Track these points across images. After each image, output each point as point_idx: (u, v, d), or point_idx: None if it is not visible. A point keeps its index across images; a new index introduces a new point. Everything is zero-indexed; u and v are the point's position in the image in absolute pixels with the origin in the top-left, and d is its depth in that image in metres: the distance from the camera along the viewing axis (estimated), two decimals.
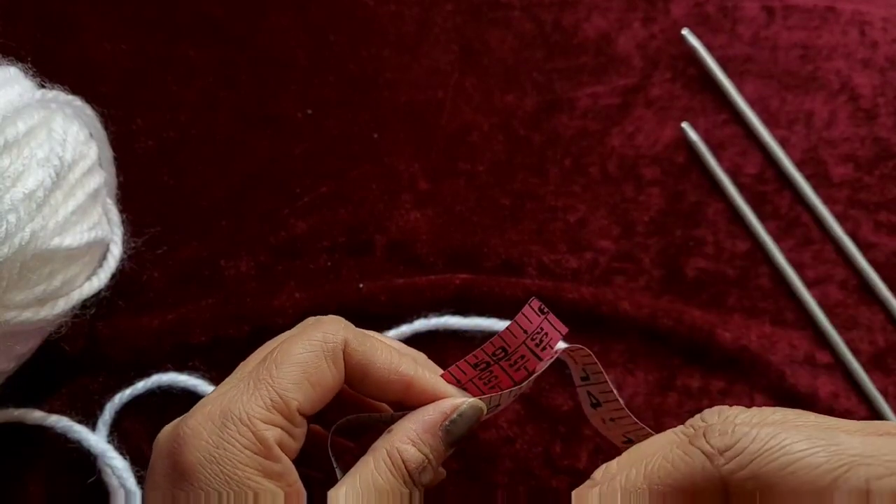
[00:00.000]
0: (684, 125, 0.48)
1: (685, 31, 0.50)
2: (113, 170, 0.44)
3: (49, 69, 0.41)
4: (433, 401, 0.32)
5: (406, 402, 0.33)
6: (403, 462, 0.31)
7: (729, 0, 0.51)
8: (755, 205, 0.47)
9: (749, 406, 0.38)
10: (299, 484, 0.31)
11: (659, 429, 0.43)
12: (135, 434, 0.42)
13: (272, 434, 0.30)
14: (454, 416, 0.32)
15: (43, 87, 0.40)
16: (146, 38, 0.51)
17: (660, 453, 0.28)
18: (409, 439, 0.31)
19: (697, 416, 0.29)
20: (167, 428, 0.32)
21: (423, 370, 0.33)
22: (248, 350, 0.45)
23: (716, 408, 0.29)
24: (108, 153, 0.43)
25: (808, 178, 0.48)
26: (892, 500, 0.25)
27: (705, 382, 0.43)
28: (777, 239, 0.47)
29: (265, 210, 0.47)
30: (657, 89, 0.50)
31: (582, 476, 0.42)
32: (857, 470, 0.25)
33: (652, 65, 0.50)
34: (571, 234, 0.47)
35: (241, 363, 0.33)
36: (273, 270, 0.46)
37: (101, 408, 0.42)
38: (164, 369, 0.43)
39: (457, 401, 0.32)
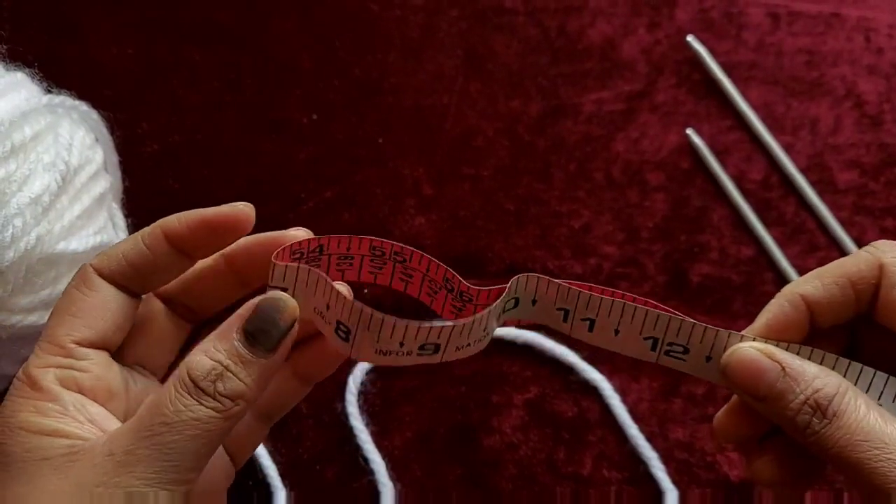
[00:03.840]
0: (689, 131, 0.48)
1: (690, 38, 0.50)
2: (118, 174, 0.44)
3: (55, 73, 0.42)
4: (207, 225, 0.31)
5: (190, 245, 0.31)
6: (189, 372, 0.28)
7: (734, 6, 0.51)
8: (760, 210, 0.47)
9: None
10: (98, 414, 0.29)
11: (664, 435, 0.43)
12: None
13: (43, 373, 0.29)
14: (251, 314, 0.28)
15: (49, 91, 0.41)
16: (152, 43, 0.51)
17: (829, 263, 0.31)
18: (200, 350, 0.28)
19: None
20: None
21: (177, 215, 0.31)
22: None
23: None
24: (114, 157, 0.43)
25: (814, 183, 0.48)
26: None
27: (710, 389, 0.43)
28: (782, 245, 0.46)
29: (270, 214, 0.47)
30: (662, 95, 0.50)
31: (585, 482, 0.42)
32: None
33: (657, 70, 0.50)
34: (576, 239, 0.47)
35: None
36: None
37: None
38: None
39: (253, 300, 0.29)
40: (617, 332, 0.31)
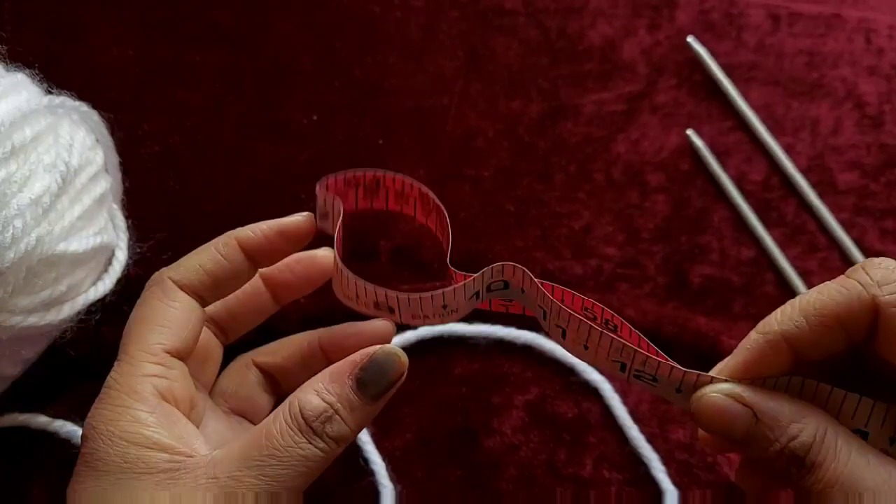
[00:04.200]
0: (689, 132, 0.48)
1: (690, 38, 0.50)
2: (119, 175, 0.44)
3: (56, 74, 0.42)
4: (274, 238, 0.34)
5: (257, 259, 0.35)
6: (301, 411, 0.29)
7: (734, 7, 0.51)
8: (761, 212, 0.47)
9: None
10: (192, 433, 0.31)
11: (664, 437, 0.43)
12: None
13: (142, 381, 0.31)
14: (365, 363, 0.30)
15: (50, 92, 0.41)
16: (153, 44, 0.51)
17: (813, 291, 0.28)
18: (312, 389, 0.30)
19: (856, 266, 0.29)
20: None
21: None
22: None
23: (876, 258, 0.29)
24: (115, 158, 0.43)
25: (814, 185, 0.48)
26: None
27: None
28: (783, 246, 0.46)
29: (270, 215, 0.47)
30: (662, 96, 0.50)
31: (586, 484, 0.42)
32: None
33: (657, 71, 0.50)
34: (576, 240, 0.47)
35: None
36: None
37: None
38: None
39: (369, 349, 0.30)
40: (586, 347, 0.31)
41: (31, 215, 0.36)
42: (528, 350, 0.44)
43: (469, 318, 0.44)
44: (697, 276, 0.46)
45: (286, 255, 0.35)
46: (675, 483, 0.41)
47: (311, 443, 0.29)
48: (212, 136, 0.49)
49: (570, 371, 0.44)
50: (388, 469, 0.41)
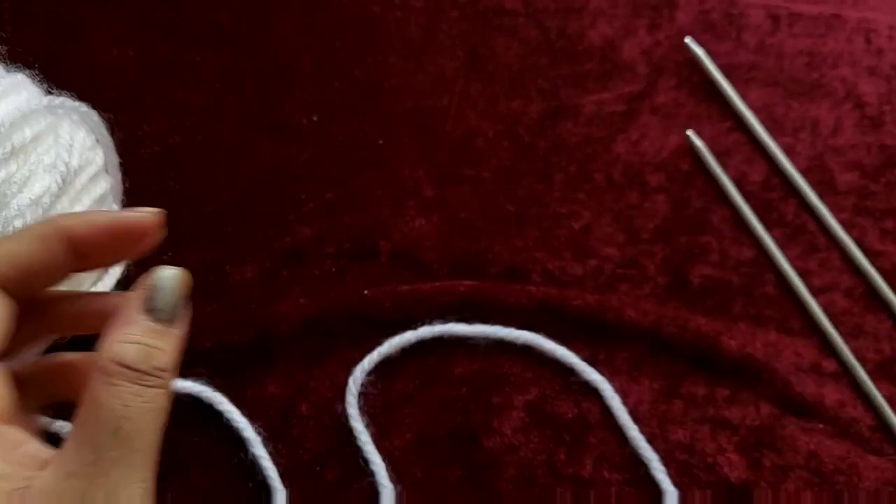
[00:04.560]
0: (689, 133, 0.48)
1: (688, 40, 0.50)
2: (119, 175, 0.44)
3: (56, 75, 0.42)
4: (116, 231, 0.30)
5: (90, 251, 0.30)
6: (125, 365, 0.27)
7: (734, 7, 0.51)
8: (761, 212, 0.47)
9: (755, 414, 0.38)
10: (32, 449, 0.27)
11: (664, 437, 0.43)
12: None
13: None
14: (150, 294, 0.28)
15: (50, 93, 0.41)
16: (153, 44, 0.51)
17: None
18: (116, 341, 0.27)
19: None
20: None
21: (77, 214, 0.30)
22: (253, 356, 0.45)
23: None
24: (115, 159, 0.43)
25: (814, 185, 0.48)
26: None
27: (710, 390, 0.43)
28: (783, 246, 0.46)
29: (270, 216, 0.47)
30: (662, 96, 0.50)
31: (586, 484, 0.42)
32: None
33: (657, 72, 0.50)
34: (576, 240, 0.47)
35: None
36: (278, 276, 0.46)
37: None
38: None
39: (149, 277, 0.28)
40: None
41: (31, 216, 0.36)
42: (527, 350, 0.44)
43: (469, 318, 0.44)
44: (697, 276, 0.46)
45: (122, 259, 0.31)
46: (675, 483, 0.41)
47: (146, 385, 0.27)
48: (212, 137, 0.49)
49: (570, 371, 0.44)
50: (387, 469, 0.41)
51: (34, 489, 0.26)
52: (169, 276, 0.29)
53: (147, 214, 0.30)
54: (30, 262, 0.29)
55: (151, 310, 0.28)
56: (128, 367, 0.27)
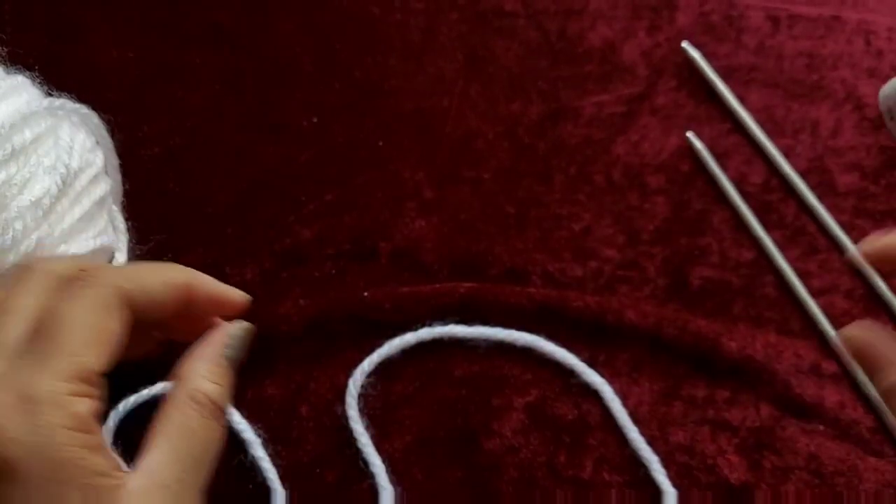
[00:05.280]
0: (689, 135, 0.48)
1: (685, 44, 0.50)
2: (119, 177, 0.44)
3: (56, 76, 0.42)
4: (216, 300, 0.35)
5: (193, 307, 0.34)
6: (209, 399, 0.31)
7: (734, 9, 0.51)
8: (760, 213, 0.47)
9: (755, 415, 0.38)
10: (112, 452, 0.30)
11: (664, 438, 0.43)
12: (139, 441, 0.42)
13: (85, 407, 0.28)
14: (229, 341, 0.33)
15: (50, 94, 0.41)
16: (152, 45, 0.51)
17: None
18: (201, 376, 0.32)
19: None
20: None
21: (197, 273, 0.35)
22: (253, 357, 0.44)
23: None
24: (115, 160, 0.43)
25: (814, 187, 0.48)
26: None
27: (710, 392, 0.43)
28: (783, 248, 0.46)
29: (270, 217, 0.47)
30: (662, 98, 0.50)
31: (586, 486, 0.42)
32: None
33: (657, 73, 0.50)
34: (576, 242, 0.47)
35: None
36: (278, 277, 0.46)
37: (104, 413, 0.42)
38: (169, 376, 0.43)
39: (229, 328, 0.34)
40: None
41: (31, 217, 0.36)
42: (528, 352, 0.44)
43: (469, 320, 0.44)
44: (697, 277, 0.46)
45: (202, 329, 0.35)
46: (675, 485, 0.41)
47: (219, 422, 0.32)
48: (212, 138, 0.49)
49: (571, 373, 0.44)
50: (387, 471, 0.41)
51: (128, 490, 0.28)
52: (246, 331, 0.34)
53: (243, 298, 0.36)
54: (157, 301, 0.33)
55: (228, 357, 0.33)
56: (213, 403, 0.31)
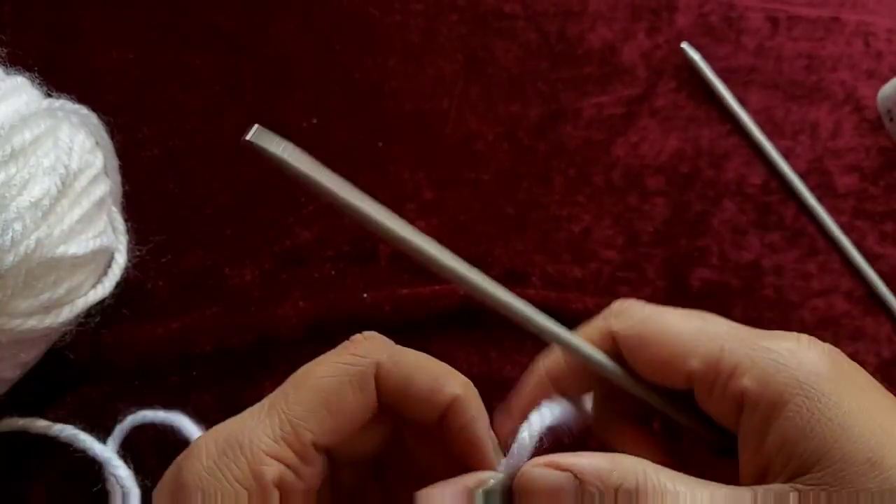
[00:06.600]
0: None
1: (684, 45, 0.50)
2: (118, 178, 0.44)
3: (55, 77, 0.42)
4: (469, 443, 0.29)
5: (446, 421, 0.29)
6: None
7: (733, 10, 0.51)
8: (760, 214, 0.47)
9: None
10: None
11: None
12: (140, 444, 0.42)
13: (272, 470, 0.26)
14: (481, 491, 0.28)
15: (49, 95, 0.41)
16: (152, 47, 0.51)
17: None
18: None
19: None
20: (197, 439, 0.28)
21: (469, 392, 0.30)
22: (253, 359, 0.44)
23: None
24: (114, 161, 0.43)
25: (813, 188, 0.48)
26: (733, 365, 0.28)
27: None
28: (782, 249, 0.46)
29: (270, 218, 0.47)
30: (661, 99, 0.50)
31: None
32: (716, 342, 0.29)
33: (656, 75, 0.50)
34: (576, 243, 0.47)
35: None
36: (278, 279, 0.46)
37: (104, 416, 0.42)
38: (169, 378, 0.43)
39: (481, 475, 0.28)
40: None
41: (30, 218, 0.36)
42: (528, 353, 0.44)
43: (469, 321, 0.44)
44: (697, 279, 0.46)
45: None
46: None
47: None
48: (211, 139, 0.49)
49: None
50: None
51: None
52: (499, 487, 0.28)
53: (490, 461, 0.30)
54: (412, 399, 0.28)
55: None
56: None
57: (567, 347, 0.30)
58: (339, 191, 0.25)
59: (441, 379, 0.29)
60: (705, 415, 0.30)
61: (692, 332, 0.30)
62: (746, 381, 0.28)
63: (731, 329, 0.30)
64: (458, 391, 0.29)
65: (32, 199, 0.36)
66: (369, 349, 0.29)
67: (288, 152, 0.25)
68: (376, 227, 0.26)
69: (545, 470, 0.27)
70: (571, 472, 0.27)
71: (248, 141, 0.24)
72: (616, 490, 0.26)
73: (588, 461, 0.27)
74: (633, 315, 0.31)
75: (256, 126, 0.24)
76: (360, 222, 0.25)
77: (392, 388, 0.28)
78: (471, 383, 0.30)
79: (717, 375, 0.28)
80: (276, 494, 0.26)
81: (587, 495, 0.26)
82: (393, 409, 0.29)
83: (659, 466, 0.27)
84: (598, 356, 0.31)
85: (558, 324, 0.30)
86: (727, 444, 0.30)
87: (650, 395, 0.31)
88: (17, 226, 0.36)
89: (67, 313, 0.39)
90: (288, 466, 0.26)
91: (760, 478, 0.27)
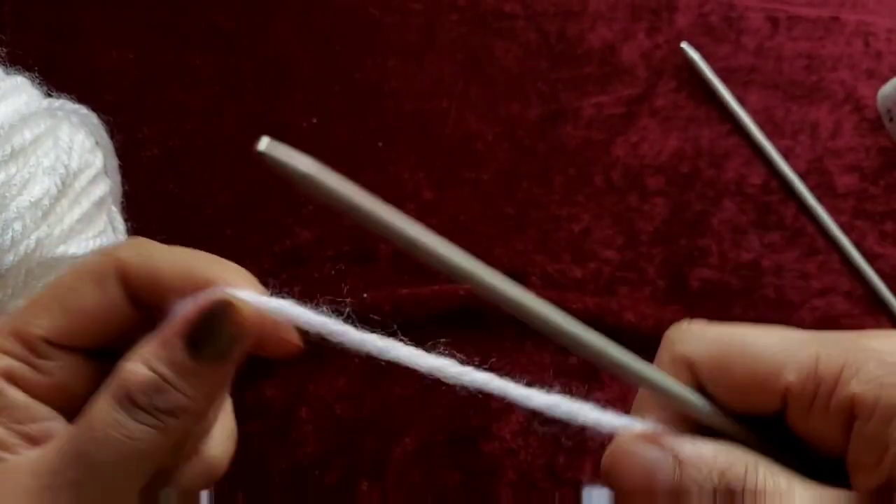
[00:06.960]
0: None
1: (684, 45, 0.50)
2: (118, 178, 0.44)
3: (55, 77, 0.42)
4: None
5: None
6: (125, 384, 0.24)
7: (733, 10, 0.51)
8: (760, 214, 0.47)
9: None
10: (38, 426, 0.25)
11: None
12: None
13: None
14: (197, 319, 0.25)
15: (49, 95, 0.41)
16: (152, 47, 0.51)
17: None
18: (139, 357, 0.25)
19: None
20: None
21: (225, 266, 0.26)
22: (253, 359, 0.44)
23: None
24: (114, 161, 0.43)
25: (813, 188, 0.48)
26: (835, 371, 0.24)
27: None
28: (782, 249, 0.46)
29: (270, 218, 0.47)
30: (661, 99, 0.50)
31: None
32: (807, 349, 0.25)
33: (656, 75, 0.50)
34: (576, 243, 0.47)
35: None
36: (277, 279, 0.46)
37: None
38: None
39: (200, 301, 0.25)
40: None
41: (30, 218, 0.36)
42: (528, 353, 0.44)
43: (468, 322, 0.44)
44: (697, 279, 0.46)
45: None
46: None
47: (136, 419, 0.24)
48: (211, 139, 0.49)
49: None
50: (387, 474, 0.41)
51: (6, 466, 0.25)
52: (220, 307, 0.25)
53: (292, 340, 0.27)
54: (163, 287, 0.26)
55: (191, 340, 0.25)
56: (128, 393, 0.24)
57: (650, 386, 0.25)
58: (375, 211, 0.22)
59: (194, 269, 0.26)
60: (797, 443, 0.26)
61: (778, 343, 0.26)
62: (855, 387, 0.24)
63: (819, 334, 0.26)
64: (211, 275, 0.26)
65: (32, 199, 0.36)
66: (118, 249, 0.27)
67: (313, 169, 0.21)
68: (423, 253, 0.22)
69: (644, 444, 0.24)
70: (673, 451, 0.24)
71: (264, 154, 0.20)
72: (720, 477, 0.24)
73: (690, 445, 0.24)
74: (704, 337, 0.27)
75: (267, 138, 0.20)
76: (403, 247, 0.22)
77: (142, 283, 0.26)
78: (234, 267, 0.27)
79: (818, 386, 0.25)
80: (2, 382, 0.25)
81: (686, 479, 0.24)
82: (149, 303, 0.26)
83: (765, 460, 0.25)
84: (687, 393, 0.26)
85: (639, 358, 0.26)
86: (824, 474, 0.25)
87: (744, 432, 0.26)
88: (17, 225, 0.36)
89: None
90: (18, 359, 0.25)
91: (886, 494, 0.24)
